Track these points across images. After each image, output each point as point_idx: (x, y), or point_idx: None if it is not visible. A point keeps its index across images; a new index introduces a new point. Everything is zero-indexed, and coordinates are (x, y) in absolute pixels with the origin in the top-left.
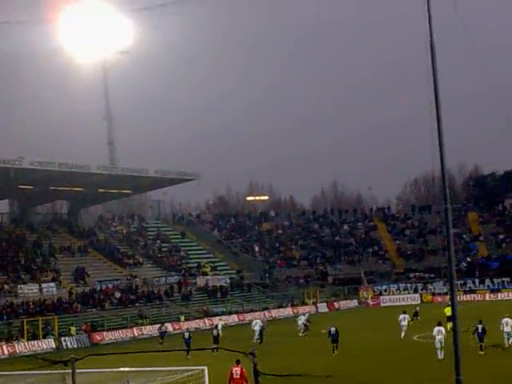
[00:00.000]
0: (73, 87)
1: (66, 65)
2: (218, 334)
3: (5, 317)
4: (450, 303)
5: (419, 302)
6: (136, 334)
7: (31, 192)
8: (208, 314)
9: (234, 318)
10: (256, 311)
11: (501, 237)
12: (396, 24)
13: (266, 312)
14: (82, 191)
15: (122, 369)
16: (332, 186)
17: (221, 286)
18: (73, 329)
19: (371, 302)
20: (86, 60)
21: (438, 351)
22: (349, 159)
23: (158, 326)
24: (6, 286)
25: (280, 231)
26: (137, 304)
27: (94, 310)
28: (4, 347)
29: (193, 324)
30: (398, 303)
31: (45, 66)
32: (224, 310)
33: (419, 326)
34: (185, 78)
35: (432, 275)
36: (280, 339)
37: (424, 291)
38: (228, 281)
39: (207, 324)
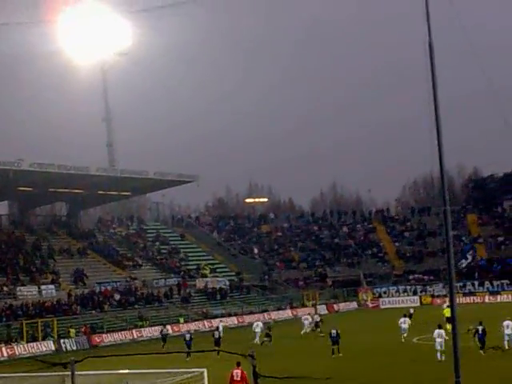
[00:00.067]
0: (72, 89)
1: (65, 66)
2: (220, 337)
3: (4, 319)
4: (448, 304)
5: (419, 304)
6: (135, 336)
7: (30, 194)
8: (207, 316)
9: (233, 320)
10: (255, 313)
11: (500, 239)
12: (395, 24)
13: (266, 314)
14: (81, 193)
15: (121, 371)
16: (331, 188)
17: (220, 288)
18: (72, 331)
19: (370, 304)
20: (85, 61)
21: (438, 353)
22: (348, 161)
23: (157, 327)
24: (5, 288)
25: (279, 233)
26: (136, 306)
27: (94, 312)
28: (3, 349)
29: (192, 326)
30: (397, 305)
31: (44, 68)
32: (223, 312)
33: (419, 328)
34: (184, 79)
35: (431, 277)
36: (280, 341)
37: (423, 293)
38: (227, 283)
39: (207, 326)
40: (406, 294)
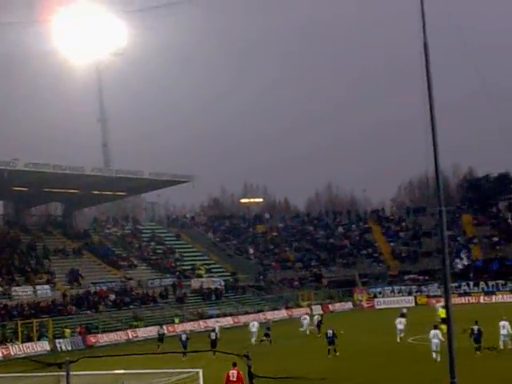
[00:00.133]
0: (67, 88)
1: (60, 66)
2: (217, 338)
3: None
4: (443, 305)
5: (414, 304)
6: (131, 337)
7: (25, 194)
8: (203, 317)
9: (228, 321)
10: (250, 313)
11: (495, 239)
12: (391, 24)
13: (261, 314)
14: (76, 193)
15: (116, 371)
16: (326, 188)
17: (215, 288)
18: (67, 331)
19: (366, 305)
20: (80, 61)
21: (434, 354)
22: (343, 161)
23: (152, 328)
24: (0, 288)
25: (274, 233)
26: (131, 306)
27: (89, 312)
28: None
29: (188, 326)
30: (392, 306)
31: (39, 67)
32: (218, 312)
33: (414, 329)
34: (179, 79)
35: (426, 277)
36: (276, 341)
37: (418, 294)
38: (222, 283)
39: (202, 326)
40: (401, 294)
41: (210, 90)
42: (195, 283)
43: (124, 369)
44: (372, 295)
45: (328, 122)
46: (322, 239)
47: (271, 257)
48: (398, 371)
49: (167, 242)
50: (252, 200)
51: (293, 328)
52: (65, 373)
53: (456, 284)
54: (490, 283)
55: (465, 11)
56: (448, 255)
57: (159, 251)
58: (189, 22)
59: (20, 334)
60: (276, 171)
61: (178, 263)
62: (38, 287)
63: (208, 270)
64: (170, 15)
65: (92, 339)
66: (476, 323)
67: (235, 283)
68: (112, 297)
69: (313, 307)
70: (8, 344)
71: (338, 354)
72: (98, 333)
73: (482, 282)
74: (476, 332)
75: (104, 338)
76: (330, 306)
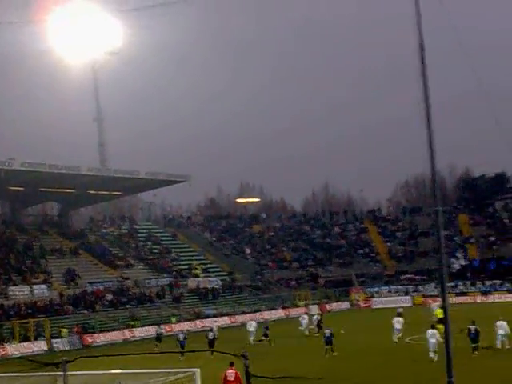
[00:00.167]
0: (63, 88)
1: (56, 65)
2: (215, 338)
3: None
4: (439, 305)
5: (411, 304)
6: (128, 336)
7: (22, 193)
8: (199, 316)
9: (225, 320)
10: (247, 313)
11: (491, 239)
12: (387, 24)
13: (258, 314)
14: (72, 193)
15: (113, 371)
16: (323, 188)
17: (212, 288)
18: (64, 331)
19: (363, 304)
20: (76, 61)
21: (431, 353)
22: (340, 161)
23: (149, 328)
24: None
25: (271, 233)
26: (128, 306)
27: (86, 311)
28: None
29: (184, 326)
30: (389, 305)
31: (35, 67)
32: (215, 311)
33: (411, 328)
34: (175, 78)
35: (423, 277)
36: (274, 341)
37: (415, 293)
38: (219, 283)
39: (199, 326)
40: (397, 294)
41: (206, 89)
42: (192, 283)
43: (121, 368)
44: (369, 295)
45: (324, 121)
46: (318, 239)
47: (268, 256)
48: (396, 371)
49: (164, 242)
50: (248, 200)
51: (290, 328)
52: (62, 372)
53: (453, 284)
54: (487, 283)
55: (462, 11)
56: (444, 255)
57: (156, 251)
58: (185, 22)
59: (17, 334)
60: (272, 171)
61: (174, 263)
62: (34, 287)
63: (204, 270)
64: (166, 15)
65: (89, 339)
66: (473, 323)
67: (232, 283)
68: (109, 296)
69: (310, 307)
70: (5, 344)
71: (335, 354)
72: (94, 332)
73: (478, 282)
74: (473, 332)
75: (101, 338)
76: (327, 305)
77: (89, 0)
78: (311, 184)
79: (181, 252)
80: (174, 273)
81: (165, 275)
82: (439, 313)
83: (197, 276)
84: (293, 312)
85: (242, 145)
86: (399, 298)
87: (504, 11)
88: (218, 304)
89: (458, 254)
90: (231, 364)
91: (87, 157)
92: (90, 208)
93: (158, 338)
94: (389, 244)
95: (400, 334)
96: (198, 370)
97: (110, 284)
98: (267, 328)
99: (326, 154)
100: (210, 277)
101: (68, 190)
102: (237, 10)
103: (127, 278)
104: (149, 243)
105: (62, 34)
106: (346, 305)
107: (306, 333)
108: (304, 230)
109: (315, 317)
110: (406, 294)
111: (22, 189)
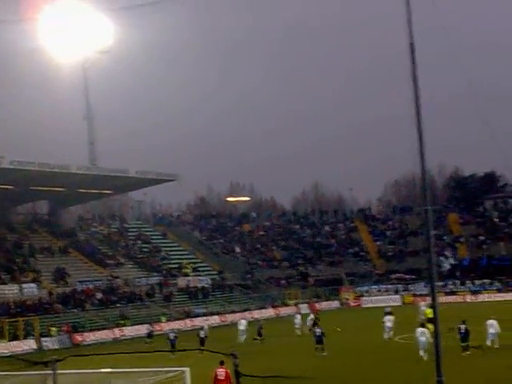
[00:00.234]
0: (53, 87)
1: (47, 64)
2: (206, 336)
3: None
4: (427, 304)
5: (400, 303)
6: (117, 335)
7: (11, 192)
8: (189, 315)
9: (215, 319)
10: (237, 312)
11: (481, 238)
12: (377, 24)
13: (248, 313)
14: (62, 191)
15: (103, 370)
16: (313, 187)
17: (202, 287)
18: (53, 329)
19: (352, 304)
20: (67, 59)
21: (422, 352)
22: (330, 160)
23: (139, 326)
24: None
25: (261, 232)
26: (118, 305)
27: (75, 310)
28: None
29: (174, 325)
30: (379, 304)
31: (25, 66)
32: (205, 310)
33: (401, 327)
34: (165, 77)
35: (413, 276)
36: (264, 340)
37: (405, 292)
38: (209, 282)
39: (189, 325)
40: (387, 293)
41: (196, 88)
42: (182, 282)
43: (111, 367)
44: (359, 294)
45: (315, 121)
46: (308, 238)
47: (258, 255)
48: (386, 370)
49: (154, 241)
50: (238, 199)
51: (281, 327)
52: (51, 371)
53: (442, 283)
54: (477, 282)
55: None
56: (434, 254)
57: (146, 250)
58: (175, 21)
59: (6, 333)
60: (262, 170)
61: (164, 262)
62: (24, 285)
63: (194, 269)
64: (157, 14)
65: (78, 338)
66: (463, 322)
67: (222, 282)
68: (98, 295)
69: (300, 306)
70: None
71: (325, 353)
72: (84, 331)
73: (468, 281)
74: (463, 331)
75: (91, 337)
76: (316, 304)
77: None
78: (301, 183)
79: (171, 251)
80: (164, 272)
81: (155, 274)
82: (429, 312)
83: (187, 275)
84: (283, 311)
85: (233, 144)
86: (389, 297)
87: (495, 11)
88: (208, 303)
89: (446, 253)
90: (221, 363)
91: (77, 155)
92: (80, 207)
93: (150, 334)
94: (379, 243)
95: (391, 332)
96: (188, 369)
97: (100, 283)
98: (261, 327)
99: (316, 153)
100: (199, 276)
101: (58, 189)
102: (227, 11)
103: (117, 277)
104: (139, 242)
105: (52, 32)
106: (335, 304)
107: (298, 332)
108: (294, 229)
109: (310, 316)
110: (396, 293)
111: (11, 187)
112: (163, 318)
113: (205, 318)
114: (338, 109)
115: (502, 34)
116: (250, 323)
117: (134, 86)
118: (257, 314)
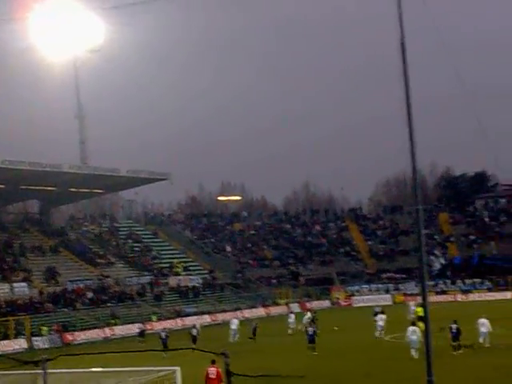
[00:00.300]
0: (44, 86)
1: (37, 63)
2: (198, 334)
3: None
4: (417, 303)
5: (391, 302)
6: (108, 335)
7: (2, 191)
8: (180, 315)
9: (206, 319)
10: (228, 311)
11: (472, 237)
12: (370, 23)
13: (238, 312)
14: (53, 190)
15: (94, 369)
16: (304, 187)
17: (193, 286)
18: (44, 329)
19: (343, 303)
20: (58, 58)
21: (413, 350)
22: (321, 160)
23: (129, 326)
24: None
25: (252, 231)
26: (109, 304)
27: (66, 309)
28: None
29: (165, 324)
30: (370, 304)
31: (16, 65)
32: (196, 310)
33: (392, 327)
34: (157, 76)
35: (404, 276)
36: (255, 339)
37: (396, 292)
38: (200, 281)
39: (179, 324)
40: (378, 292)
41: (188, 87)
42: (172, 281)
43: (102, 367)
44: (350, 293)
45: (306, 121)
46: (299, 237)
47: (249, 255)
48: (377, 369)
49: (144, 240)
50: (230, 198)
51: (272, 326)
52: (42, 371)
53: (433, 282)
54: (467, 281)
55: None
56: (425, 254)
57: (136, 249)
58: (166, 20)
59: None
60: (254, 169)
61: (155, 261)
62: (14, 285)
63: (185, 268)
64: (148, 12)
65: (69, 337)
66: (455, 322)
67: (213, 281)
68: (89, 294)
69: (291, 305)
70: None
71: (316, 353)
72: (75, 331)
73: (459, 281)
74: (455, 331)
75: (81, 336)
76: (307, 304)
77: None
78: (292, 182)
79: (162, 250)
80: (155, 271)
81: (145, 273)
82: (420, 311)
83: (178, 274)
84: (273, 310)
85: (224, 143)
86: (380, 296)
87: (488, 11)
88: (199, 302)
89: (436, 252)
90: (213, 362)
91: (68, 154)
92: (71, 206)
93: (142, 333)
94: (369, 242)
95: (383, 332)
96: (179, 368)
97: (91, 282)
98: (256, 327)
99: (307, 153)
100: (190, 275)
101: (49, 188)
102: (219, 9)
103: (108, 276)
104: (129, 241)
105: (43, 31)
106: (326, 303)
107: (290, 332)
108: (285, 229)
109: (307, 315)
110: (387, 292)
111: (2, 186)
112: (154, 318)
113: (196, 317)
114: (330, 109)
115: (501, 34)
116: (241, 322)
117: (126, 84)
118: (248, 314)
